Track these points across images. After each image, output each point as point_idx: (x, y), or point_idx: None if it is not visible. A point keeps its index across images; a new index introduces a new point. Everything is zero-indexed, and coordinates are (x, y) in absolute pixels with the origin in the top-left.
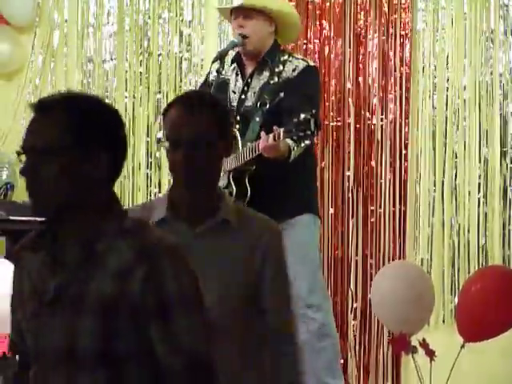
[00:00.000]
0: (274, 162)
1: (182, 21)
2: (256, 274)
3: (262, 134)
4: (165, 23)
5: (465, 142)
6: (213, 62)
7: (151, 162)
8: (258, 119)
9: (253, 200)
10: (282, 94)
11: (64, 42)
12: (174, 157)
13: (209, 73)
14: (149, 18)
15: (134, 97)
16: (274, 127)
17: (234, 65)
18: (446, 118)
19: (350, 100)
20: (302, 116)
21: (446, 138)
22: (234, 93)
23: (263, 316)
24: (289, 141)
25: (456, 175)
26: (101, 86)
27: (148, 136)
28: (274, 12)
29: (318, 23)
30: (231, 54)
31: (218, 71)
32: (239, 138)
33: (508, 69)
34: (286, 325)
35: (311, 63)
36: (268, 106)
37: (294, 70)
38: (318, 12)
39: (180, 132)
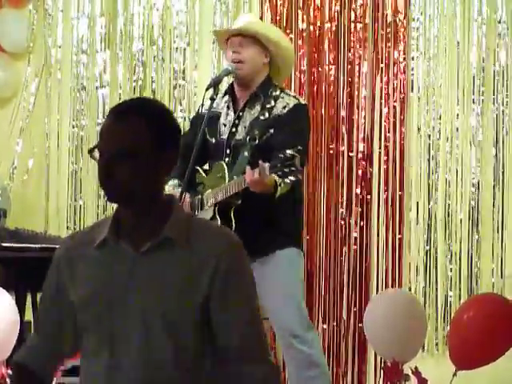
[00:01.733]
0: (260, 196)
1: (177, 49)
2: (203, 295)
3: (248, 168)
4: (158, 50)
5: (457, 170)
6: (206, 89)
7: None
8: (246, 153)
9: (237, 233)
10: (271, 131)
11: (58, 67)
12: (98, 169)
13: (202, 105)
14: (142, 44)
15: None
16: (260, 162)
17: (226, 97)
18: (439, 145)
19: (343, 128)
20: (288, 152)
21: (438, 166)
22: (225, 125)
23: (215, 341)
24: (275, 176)
25: (449, 203)
26: (94, 113)
27: None
28: (272, 42)
29: (313, 50)
30: (226, 82)
31: (211, 98)
32: (226, 170)
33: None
34: (248, 340)
35: (302, 101)
36: (257, 141)
37: (284, 108)
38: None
39: (102, 141)
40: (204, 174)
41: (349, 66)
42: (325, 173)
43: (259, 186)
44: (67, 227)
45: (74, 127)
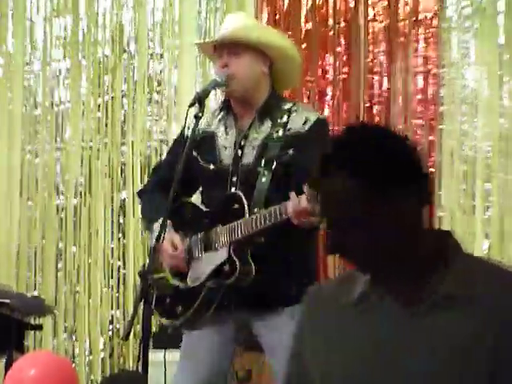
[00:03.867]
0: (286, 233)
1: (152, 56)
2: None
3: (292, 194)
4: (130, 58)
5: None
6: (190, 106)
7: (114, 227)
8: (264, 179)
9: (256, 280)
10: (291, 151)
11: (6, 79)
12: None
13: (184, 126)
14: (111, 51)
15: (90, 148)
16: (305, 186)
17: (222, 114)
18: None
19: None
20: None
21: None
22: (226, 148)
23: None
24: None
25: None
26: (50, 135)
27: (112, 202)
28: (272, 47)
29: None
30: (215, 96)
31: (196, 116)
32: (245, 201)
33: None
34: None
35: (321, 115)
36: (274, 163)
37: (305, 123)
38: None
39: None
40: (204, 208)
41: (369, 78)
42: None
43: (307, 218)
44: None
45: (27, 153)
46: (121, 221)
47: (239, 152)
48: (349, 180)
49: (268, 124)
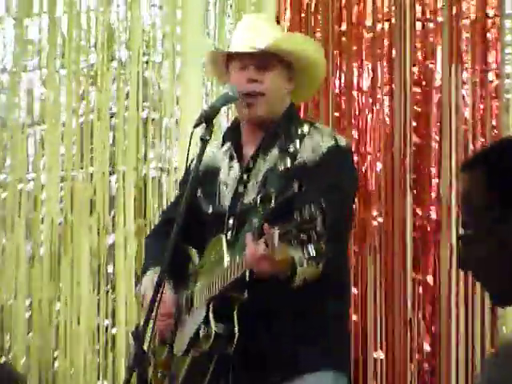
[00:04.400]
0: (275, 286)
1: (147, 63)
2: None
3: (248, 236)
4: (121, 67)
5: None
6: (195, 126)
7: (100, 277)
8: (255, 220)
9: (242, 345)
10: (295, 187)
11: None
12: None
13: (188, 151)
14: (97, 58)
15: (72, 179)
16: (265, 226)
17: (228, 145)
18: None
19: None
20: (306, 210)
21: None
22: (226, 186)
23: None
24: (292, 250)
25: None
26: (20, 163)
27: (98, 247)
28: (297, 56)
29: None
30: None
31: (203, 139)
32: (225, 248)
33: None
34: None
35: (341, 141)
36: (273, 202)
37: (314, 151)
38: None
39: None
40: (198, 258)
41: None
42: None
43: (266, 266)
44: None
45: None
46: (109, 270)
47: (240, 189)
48: (484, 190)
49: (275, 152)
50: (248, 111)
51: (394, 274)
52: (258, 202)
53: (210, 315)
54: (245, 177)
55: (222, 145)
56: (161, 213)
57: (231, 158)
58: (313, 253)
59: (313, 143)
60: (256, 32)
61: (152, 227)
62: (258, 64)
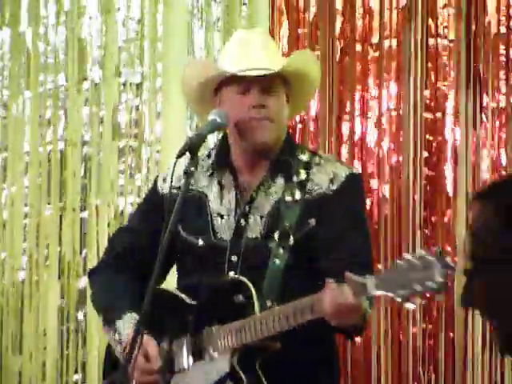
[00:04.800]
0: (311, 336)
1: (124, 86)
2: None
3: (332, 284)
4: (94, 88)
5: None
6: (178, 156)
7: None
8: (277, 261)
9: None
10: (313, 221)
11: None
12: None
13: (156, 181)
14: (66, 78)
15: (37, 215)
16: (352, 275)
17: (213, 166)
18: None
19: None
20: (362, 258)
21: None
22: (222, 217)
23: None
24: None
25: None
26: None
27: (67, 292)
28: (301, 77)
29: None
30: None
31: (187, 172)
32: (254, 292)
33: None
34: None
35: (354, 170)
36: (291, 238)
37: (332, 181)
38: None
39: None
40: (186, 298)
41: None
42: None
43: (351, 316)
44: None
45: None
46: (79, 317)
47: (242, 222)
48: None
49: (280, 182)
50: (256, 138)
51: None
52: (277, 238)
53: (236, 366)
54: (246, 209)
55: (208, 167)
56: (109, 239)
57: (221, 187)
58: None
59: (326, 172)
60: (258, 49)
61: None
62: (262, 87)
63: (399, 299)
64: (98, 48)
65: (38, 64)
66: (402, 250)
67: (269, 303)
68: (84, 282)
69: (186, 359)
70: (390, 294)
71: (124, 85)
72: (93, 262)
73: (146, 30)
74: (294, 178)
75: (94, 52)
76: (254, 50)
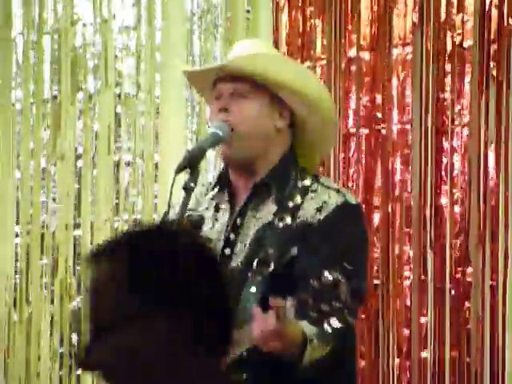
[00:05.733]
0: (278, 364)
1: (120, 97)
2: None
3: (257, 310)
4: (88, 100)
5: None
6: (177, 171)
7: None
8: (253, 289)
9: None
10: (295, 250)
11: None
12: None
13: (169, 202)
14: (59, 88)
15: (27, 234)
16: (270, 299)
17: (215, 192)
18: None
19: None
20: (327, 275)
21: None
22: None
23: None
24: (303, 324)
25: None
26: None
27: (61, 315)
28: (294, 90)
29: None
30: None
31: (186, 188)
32: None
33: None
34: None
35: (351, 199)
36: (272, 267)
37: (319, 210)
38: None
39: None
40: None
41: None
42: None
43: (276, 343)
44: None
45: None
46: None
47: (227, 252)
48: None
49: (270, 207)
50: (220, 151)
51: None
52: (255, 265)
53: None
54: (232, 237)
55: (210, 189)
56: None
57: (217, 210)
58: (333, 328)
59: (318, 200)
60: (237, 52)
61: None
62: (230, 90)
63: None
64: (93, 58)
65: (29, 74)
66: None
67: (241, 331)
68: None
69: None
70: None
71: (119, 96)
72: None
73: (142, 38)
74: (289, 204)
75: (89, 61)
76: (235, 52)
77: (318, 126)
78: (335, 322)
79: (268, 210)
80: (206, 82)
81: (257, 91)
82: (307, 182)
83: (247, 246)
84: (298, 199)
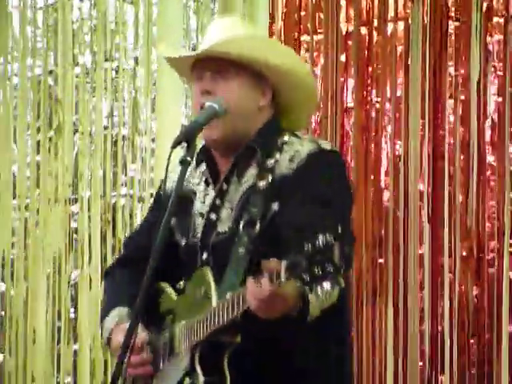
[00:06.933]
0: (278, 328)
1: (117, 71)
2: None
3: (249, 280)
4: (84, 74)
5: None
6: (173, 146)
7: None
8: (241, 250)
9: None
10: (275, 206)
11: None
12: None
13: (165, 176)
14: (55, 63)
15: (26, 208)
16: (263, 262)
17: (203, 167)
18: None
19: None
20: (320, 238)
21: None
22: (202, 216)
23: None
24: (297, 283)
25: None
26: None
27: (58, 291)
28: (277, 69)
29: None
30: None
31: (183, 162)
32: (213, 284)
33: None
34: None
35: (325, 146)
36: (258, 227)
37: (291, 160)
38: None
39: None
40: (174, 295)
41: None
42: None
43: (272, 305)
44: None
45: None
46: (72, 315)
47: (213, 216)
48: None
49: (253, 171)
50: (203, 134)
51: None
52: (241, 227)
53: (197, 365)
54: (217, 202)
55: (198, 164)
56: (125, 241)
57: (207, 184)
58: (328, 289)
59: (291, 151)
60: (215, 35)
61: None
62: (212, 72)
63: (295, 275)
64: (89, 32)
65: (27, 47)
66: None
67: (228, 295)
68: (76, 273)
69: (163, 356)
70: (293, 275)
71: (116, 70)
72: (84, 259)
73: (140, 14)
74: (268, 164)
75: (85, 36)
76: (211, 34)
77: (300, 98)
78: (328, 286)
79: (251, 173)
80: (186, 65)
81: (238, 71)
82: (285, 138)
83: (233, 210)
84: (277, 156)
